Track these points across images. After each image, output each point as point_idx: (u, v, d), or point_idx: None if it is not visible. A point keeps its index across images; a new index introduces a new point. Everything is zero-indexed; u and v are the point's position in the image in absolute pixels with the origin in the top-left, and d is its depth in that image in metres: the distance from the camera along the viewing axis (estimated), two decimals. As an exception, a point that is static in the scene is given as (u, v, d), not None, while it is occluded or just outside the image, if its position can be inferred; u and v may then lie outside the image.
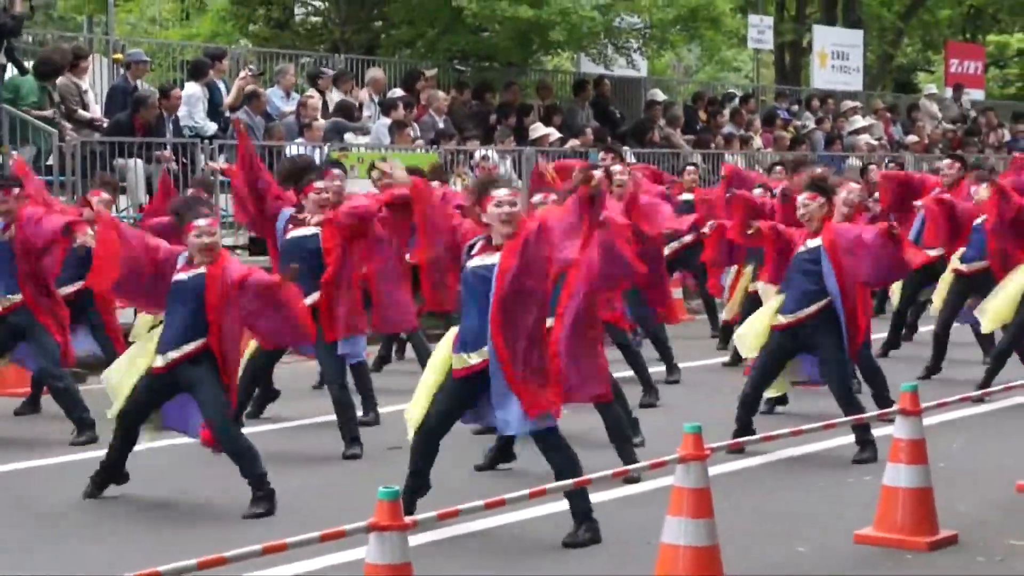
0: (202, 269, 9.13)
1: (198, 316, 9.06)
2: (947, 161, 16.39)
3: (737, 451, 10.51)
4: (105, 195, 13.05)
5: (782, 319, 10.68)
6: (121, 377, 9.39)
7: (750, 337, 11.04)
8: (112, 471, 9.47)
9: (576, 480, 7.18)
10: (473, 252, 8.38)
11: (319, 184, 11.16)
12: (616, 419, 10.06)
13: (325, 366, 11.30)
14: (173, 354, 9.10)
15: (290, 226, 11.12)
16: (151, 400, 9.33)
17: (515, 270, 8.11)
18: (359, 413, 11.47)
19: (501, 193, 8.29)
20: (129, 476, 9.54)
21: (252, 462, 9.11)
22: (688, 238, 16.63)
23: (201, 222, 9.18)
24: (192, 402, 9.24)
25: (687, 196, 17.33)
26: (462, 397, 8.47)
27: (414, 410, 8.56)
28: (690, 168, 18.17)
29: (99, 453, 9.81)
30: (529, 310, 8.18)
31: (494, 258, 8.21)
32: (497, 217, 8.24)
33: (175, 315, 9.16)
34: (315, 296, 10.82)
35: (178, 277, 9.18)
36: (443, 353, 8.56)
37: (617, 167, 12.97)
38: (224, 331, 9.09)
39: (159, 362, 9.15)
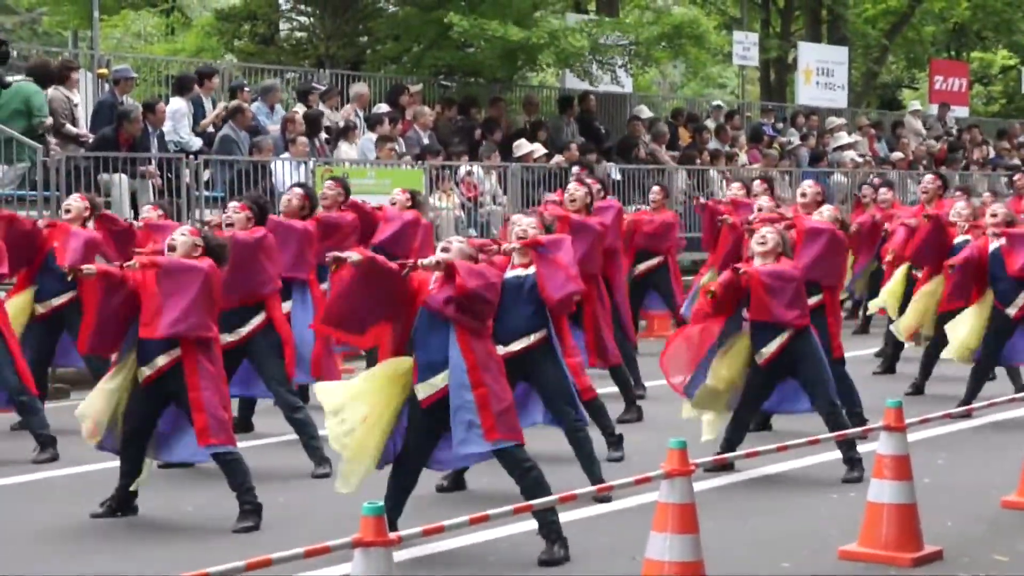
0: None
1: None
2: (928, 176, 16.40)
3: (725, 468, 10.52)
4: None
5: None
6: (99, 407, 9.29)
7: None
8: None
9: (560, 496, 7.15)
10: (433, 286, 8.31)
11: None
12: (583, 440, 10.01)
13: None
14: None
15: None
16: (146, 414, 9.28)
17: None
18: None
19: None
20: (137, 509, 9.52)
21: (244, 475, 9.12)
22: (654, 261, 16.43)
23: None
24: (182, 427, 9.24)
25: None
26: (432, 426, 8.36)
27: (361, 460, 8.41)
28: (655, 189, 17.22)
29: (67, 471, 9.78)
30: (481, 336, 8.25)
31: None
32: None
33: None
34: None
35: None
36: (391, 371, 8.39)
37: (571, 184, 12.93)
38: None
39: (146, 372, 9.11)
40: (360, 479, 8.40)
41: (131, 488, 9.35)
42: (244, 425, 12.16)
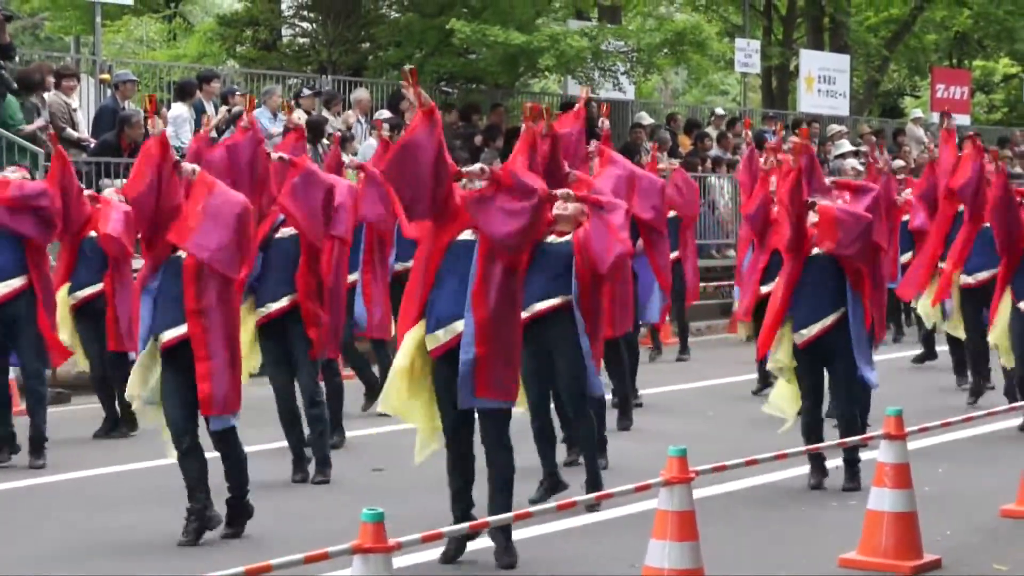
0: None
1: None
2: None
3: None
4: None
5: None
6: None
7: None
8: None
9: (559, 503, 7.14)
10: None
11: None
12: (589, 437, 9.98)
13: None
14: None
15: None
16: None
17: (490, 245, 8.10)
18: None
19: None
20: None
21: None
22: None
23: None
24: None
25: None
26: (451, 380, 8.22)
27: (391, 397, 8.30)
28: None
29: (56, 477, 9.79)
30: (504, 290, 8.14)
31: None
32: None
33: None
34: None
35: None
36: (416, 337, 8.27)
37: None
38: None
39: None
40: (430, 444, 8.37)
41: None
42: None
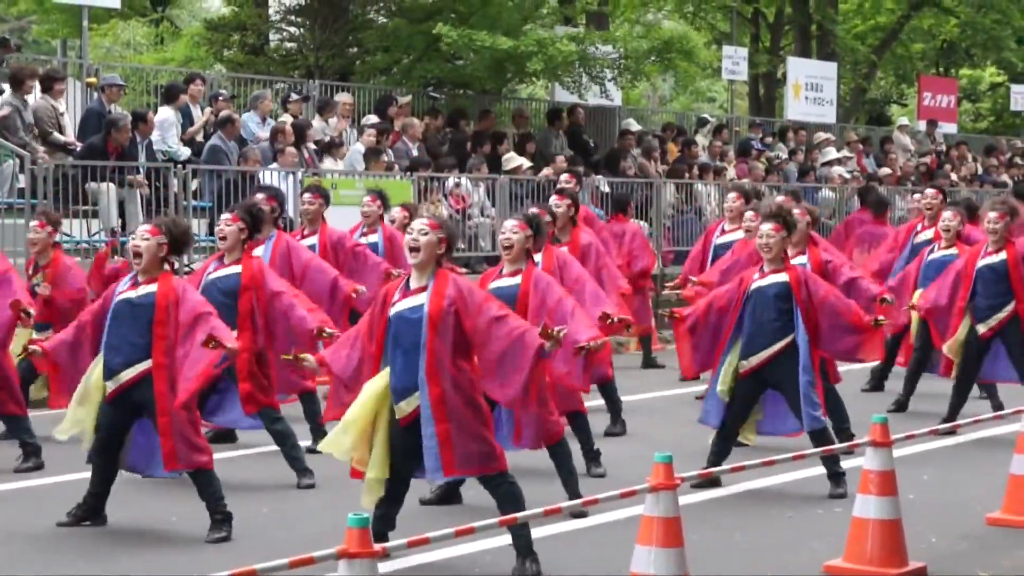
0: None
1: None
2: (930, 191, 15.71)
3: (712, 483, 10.51)
4: None
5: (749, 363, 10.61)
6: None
7: None
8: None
9: (545, 509, 7.13)
10: (397, 297, 8.24)
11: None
12: (564, 456, 9.90)
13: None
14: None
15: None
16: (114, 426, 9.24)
17: (445, 313, 8.04)
18: (308, 443, 11.46)
19: (415, 223, 8.25)
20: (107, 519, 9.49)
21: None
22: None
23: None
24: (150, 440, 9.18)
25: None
26: (412, 442, 8.21)
27: (371, 468, 8.23)
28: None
29: (52, 480, 9.77)
30: (457, 361, 8.11)
31: (420, 299, 8.13)
32: (406, 244, 8.24)
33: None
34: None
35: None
36: (375, 388, 8.24)
37: (553, 199, 12.92)
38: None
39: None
40: (377, 487, 8.29)
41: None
42: (227, 436, 12.14)
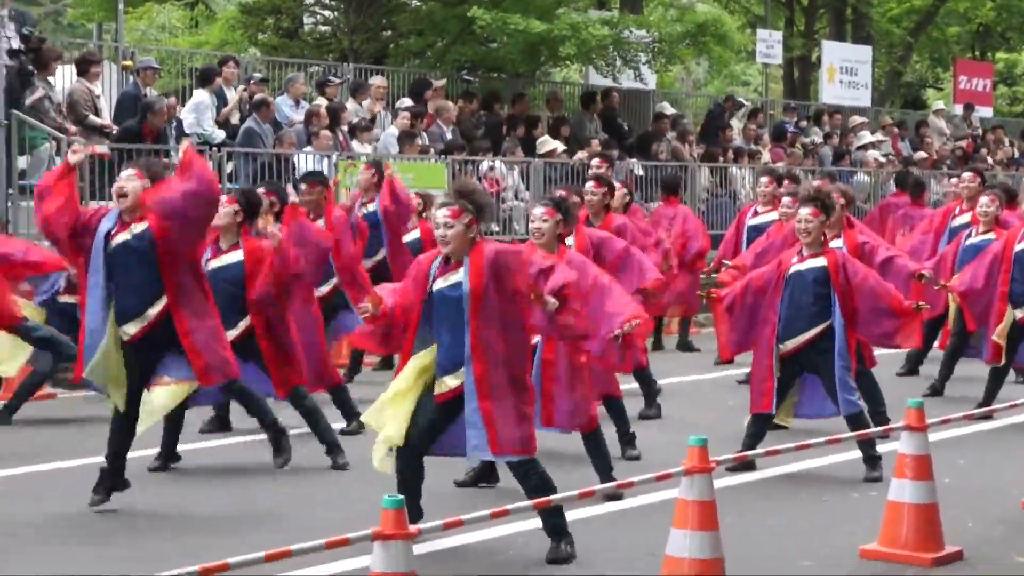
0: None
1: None
2: (967, 174, 15.69)
3: (747, 466, 10.50)
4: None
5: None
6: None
7: None
8: None
9: (580, 491, 7.10)
10: (435, 273, 8.18)
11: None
12: (598, 442, 9.87)
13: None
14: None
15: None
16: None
17: (485, 290, 7.99)
18: (343, 425, 11.59)
19: (436, 213, 8.19)
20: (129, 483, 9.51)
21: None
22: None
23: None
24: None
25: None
26: (443, 419, 8.21)
27: (389, 426, 8.15)
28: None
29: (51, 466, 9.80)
30: (505, 335, 8.03)
31: (459, 274, 8.07)
32: (437, 239, 8.17)
33: None
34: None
35: None
36: (420, 363, 8.20)
37: (589, 185, 12.72)
38: None
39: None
40: (382, 447, 8.22)
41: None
42: (221, 424, 12.17)
